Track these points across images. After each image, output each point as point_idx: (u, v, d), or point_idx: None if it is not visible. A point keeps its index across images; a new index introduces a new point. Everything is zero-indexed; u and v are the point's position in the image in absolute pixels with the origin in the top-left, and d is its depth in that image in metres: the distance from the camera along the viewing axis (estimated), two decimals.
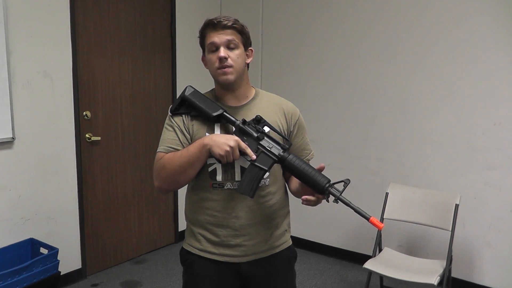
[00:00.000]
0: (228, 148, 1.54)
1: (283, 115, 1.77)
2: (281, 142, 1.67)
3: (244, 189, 1.61)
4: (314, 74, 4.13)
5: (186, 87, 1.73)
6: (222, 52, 1.64)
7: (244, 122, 1.64)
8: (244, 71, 1.72)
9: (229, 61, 1.65)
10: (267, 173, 1.69)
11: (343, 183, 1.56)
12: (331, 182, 1.56)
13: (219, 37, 1.65)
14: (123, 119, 3.91)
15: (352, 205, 1.54)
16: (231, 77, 1.67)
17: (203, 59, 1.75)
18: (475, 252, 3.43)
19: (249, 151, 1.58)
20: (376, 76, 3.77)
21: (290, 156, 1.61)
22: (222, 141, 1.56)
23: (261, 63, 4.44)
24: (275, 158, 1.62)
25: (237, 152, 1.56)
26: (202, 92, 1.75)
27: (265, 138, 1.63)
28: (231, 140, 1.56)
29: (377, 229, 3.29)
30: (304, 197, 1.58)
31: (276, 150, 1.62)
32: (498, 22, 3.21)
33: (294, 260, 1.90)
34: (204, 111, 1.67)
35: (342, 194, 1.54)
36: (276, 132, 1.68)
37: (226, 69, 1.65)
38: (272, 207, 1.77)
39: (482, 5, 3.26)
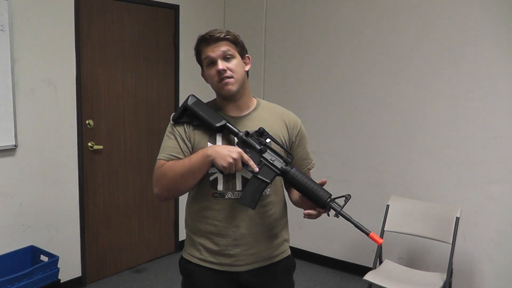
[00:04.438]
0: (231, 160, 1.55)
1: (285, 126, 1.78)
2: (283, 155, 1.68)
3: (246, 201, 1.62)
4: (317, 85, 4.15)
5: (188, 96, 1.74)
6: (220, 65, 1.65)
7: (247, 134, 1.66)
8: (245, 80, 1.74)
9: (229, 72, 1.66)
10: None
11: (344, 198, 1.59)
12: (332, 197, 1.58)
13: (213, 51, 1.66)
14: (125, 128, 3.93)
15: (353, 220, 1.57)
16: (233, 88, 1.68)
17: (203, 75, 1.77)
18: (475, 265, 3.42)
19: (252, 163, 1.60)
20: (379, 89, 3.78)
21: (293, 170, 1.62)
22: (225, 153, 1.57)
23: (263, 73, 4.46)
24: (277, 171, 1.63)
25: (240, 164, 1.58)
26: (211, 109, 1.75)
27: (268, 151, 1.65)
28: (235, 152, 1.57)
29: None
30: (306, 211, 1.60)
31: (279, 163, 1.64)
32: (499, 37, 3.23)
33: (293, 269, 1.91)
34: (207, 121, 1.68)
35: (343, 209, 1.57)
36: (278, 145, 1.69)
37: (227, 80, 1.66)
38: (272, 217, 1.78)
39: (483, 23, 3.28)
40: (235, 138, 1.68)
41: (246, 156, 1.59)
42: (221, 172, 1.62)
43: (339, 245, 4.12)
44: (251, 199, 1.62)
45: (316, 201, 1.59)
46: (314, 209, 1.61)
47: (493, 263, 3.35)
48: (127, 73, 3.90)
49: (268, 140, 1.67)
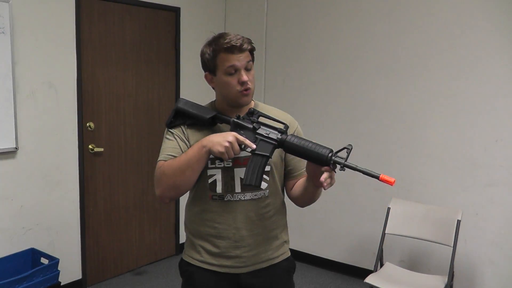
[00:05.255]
0: (227, 144, 1.55)
1: None
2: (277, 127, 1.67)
3: (250, 178, 1.60)
4: (317, 88, 4.15)
5: (178, 100, 1.76)
6: (245, 76, 1.65)
7: (238, 117, 1.67)
8: None
9: (249, 84, 1.66)
10: (266, 184, 1.72)
11: (345, 149, 1.55)
12: (334, 151, 1.55)
13: (239, 61, 1.64)
14: (126, 130, 3.93)
15: (359, 168, 1.51)
16: (250, 99, 1.71)
17: (208, 77, 1.74)
18: (476, 268, 3.41)
19: (248, 142, 1.59)
20: (380, 92, 3.78)
21: (289, 137, 1.61)
22: (220, 139, 1.57)
23: (264, 76, 4.46)
24: (274, 142, 1.62)
25: (237, 146, 1.57)
26: (201, 105, 1.77)
27: (262, 126, 1.65)
28: (229, 135, 1.57)
29: (378, 243, 3.30)
30: (321, 179, 1.50)
31: (274, 135, 1.63)
32: (500, 40, 3.23)
33: (293, 271, 1.91)
34: (198, 116, 1.70)
35: (346, 160, 1.52)
36: (270, 119, 1.69)
37: (248, 92, 1.67)
38: (271, 218, 1.78)
39: (485, 27, 3.27)
40: (230, 125, 1.68)
41: (241, 137, 1.58)
42: (220, 160, 1.62)
43: (340, 248, 4.11)
44: (254, 176, 1.60)
45: (319, 159, 1.54)
46: (320, 173, 1.52)
47: (494, 266, 3.34)
48: (128, 75, 3.90)
49: (260, 118, 1.68)
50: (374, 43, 3.79)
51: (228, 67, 1.65)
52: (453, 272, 3.06)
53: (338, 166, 1.53)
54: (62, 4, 3.36)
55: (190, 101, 1.75)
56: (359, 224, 3.90)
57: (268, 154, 1.61)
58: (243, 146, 1.59)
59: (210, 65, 1.69)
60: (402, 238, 3.39)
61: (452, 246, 3.07)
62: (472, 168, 3.39)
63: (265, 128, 1.64)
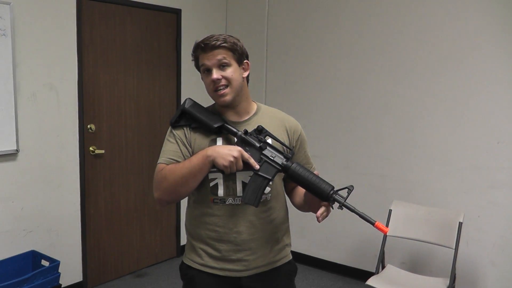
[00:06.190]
0: (232, 159, 1.55)
1: (285, 131, 1.78)
2: (283, 151, 1.68)
3: (248, 198, 1.61)
4: (319, 89, 4.14)
5: (185, 100, 1.74)
6: (215, 74, 1.64)
7: (246, 132, 1.66)
8: (241, 87, 1.71)
9: (223, 81, 1.65)
10: (269, 189, 1.71)
11: (347, 189, 1.58)
12: (335, 189, 1.57)
13: (209, 59, 1.65)
14: (127, 132, 3.92)
15: (357, 211, 1.54)
16: (228, 98, 1.67)
17: (202, 79, 1.76)
18: (478, 270, 3.40)
19: (252, 161, 1.59)
20: (381, 93, 3.78)
21: (294, 165, 1.61)
22: (225, 152, 1.57)
23: (265, 78, 4.45)
24: (278, 167, 1.63)
25: (241, 163, 1.57)
26: (204, 106, 1.76)
27: (268, 148, 1.64)
28: (235, 150, 1.57)
29: (380, 245, 3.29)
30: (318, 214, 1.55)
31: (279, 159, 1.63)
32: (502, 42, 3.22)
33: (294, 274, 1.91)
34: (205, 122, 1.68)
35: (346, 201, 1.55)
36: (278, 141, 1.69)
37: (223, 91, 1.65)
38: (273, 222, 1.77)
39: (487, 28, 3.27)
40: (235, 138, 1.68)
41: (246, 154, 1.59)
42: (222, 172, 1.62)
43: (341, 250, 4.10)
44: (254, 197, 1.61)
45: (319, 194, 1.57)
46: (320, 206, 1.57)
47: (496, 268, 3.33)
48: (129, 77, 3.90)
49: (268, 139, 1.67)
50: (376, 44, 3.78)
51: (201, 66, 1.69)
52: (455, 274, 3.05)
53: (337, 204, 1.56)
54: (63, 6, 3.36)
55: (198, 104, 1.73)
56: (361, 226, 3.85)
57: (270, 178, 1.62)
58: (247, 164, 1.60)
59: (196, 68, 1.74)
60: (403, 240, 3.38)
61: (454, 248, 3.06)
62: (473, 170, 3.38)
63: (271, 150, 1.64)
